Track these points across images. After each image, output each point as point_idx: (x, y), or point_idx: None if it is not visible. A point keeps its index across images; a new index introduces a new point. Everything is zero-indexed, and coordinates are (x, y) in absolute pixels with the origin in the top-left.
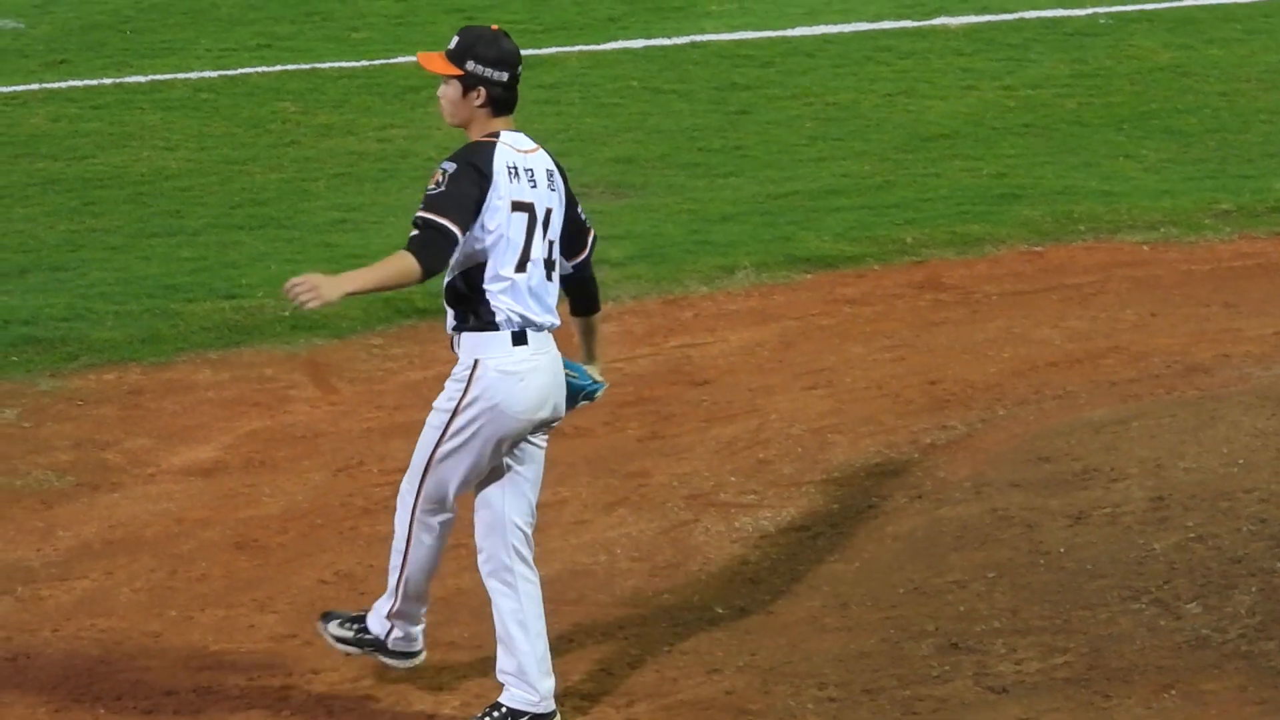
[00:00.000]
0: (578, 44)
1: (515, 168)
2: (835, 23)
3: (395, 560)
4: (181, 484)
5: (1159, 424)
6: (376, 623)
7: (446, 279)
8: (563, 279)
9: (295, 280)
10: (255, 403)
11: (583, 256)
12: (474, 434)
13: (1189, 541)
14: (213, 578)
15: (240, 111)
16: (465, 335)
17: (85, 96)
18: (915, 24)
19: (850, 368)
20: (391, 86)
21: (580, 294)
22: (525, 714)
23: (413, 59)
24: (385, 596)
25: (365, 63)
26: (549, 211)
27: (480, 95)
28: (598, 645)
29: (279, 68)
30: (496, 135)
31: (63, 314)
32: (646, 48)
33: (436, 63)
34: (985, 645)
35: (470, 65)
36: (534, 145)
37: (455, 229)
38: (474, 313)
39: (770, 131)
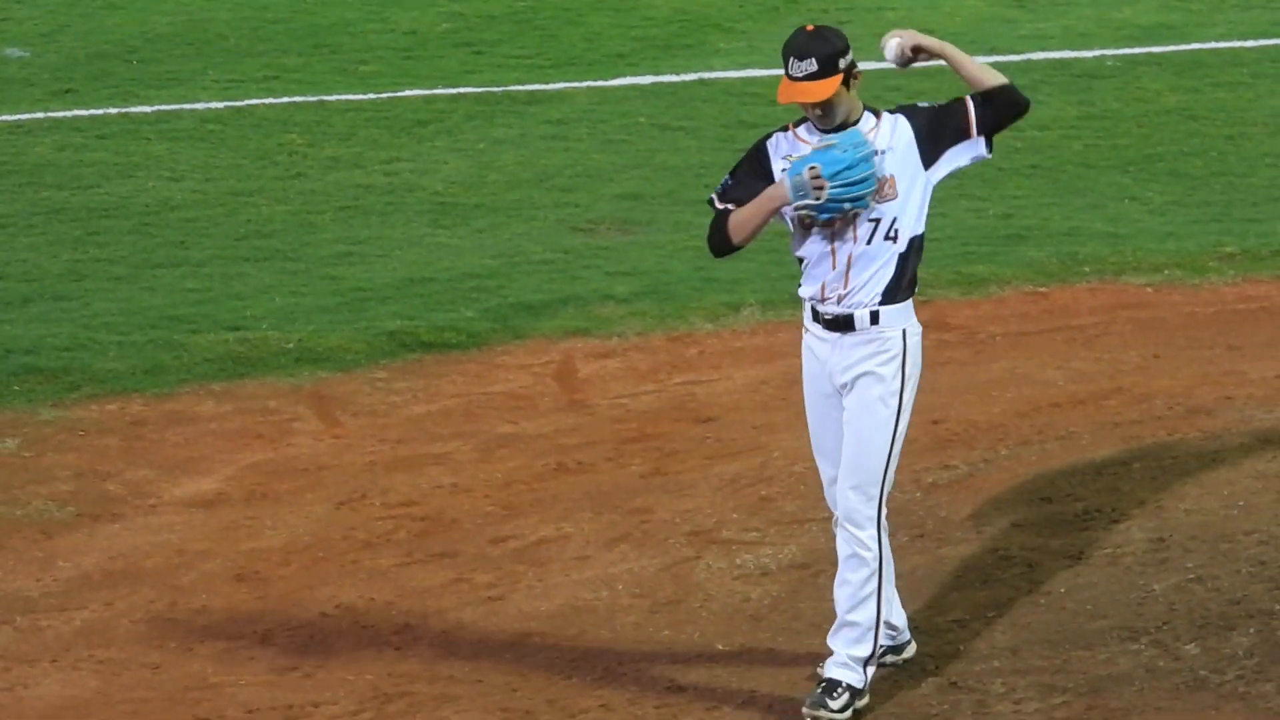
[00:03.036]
0: (586, 80)
1: None
2: None
3: (865, 591)
4: (183, 515)
5: (1160, 465)
6: (857, 675)
7: (899, 250)
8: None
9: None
10: (258, 435)
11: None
12: (910, 405)
13: (1189, 583)
14: (213, 609)
15: (247, 143)
16: (894, 307)
17: (91, 126)
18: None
19: None
20: (399, 120)
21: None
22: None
23: (420, 92)
24: (857, 639)
25: (373, 95)
26: None
27: (858, 75)
28: (598, 681)
29: (286, 99)
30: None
31: (65, 344)
32: (655, 84)
33: (823, 88)
34: (984, 684)
35: (842, 62)
36: None
37: None
38: (910, 281)
39: None
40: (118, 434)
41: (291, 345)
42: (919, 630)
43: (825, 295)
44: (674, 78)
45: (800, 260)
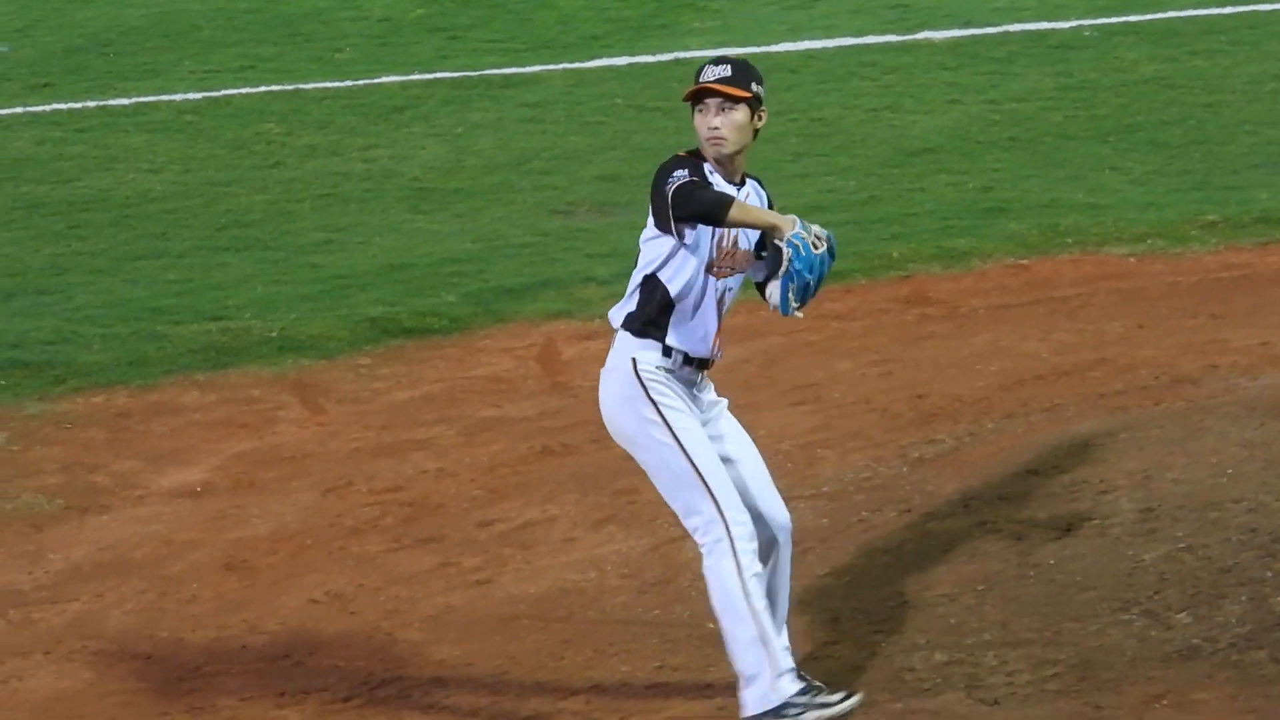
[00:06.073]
0: (562, 62)
1: None
2: (819, 38)
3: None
4: (170, 506)
5: (1147, 436)
6: None
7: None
8: None
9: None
10: (242, 424)
11: None
12: None
13: (1178, 552)
14: (203, 599)
15: (224, 133)
16: None
17: (69, 119)
18: (899, 38)
19: (837, 383)
20: (375, 107)
21: None
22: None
23: (396, 78)
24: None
25: (349, 83)
26: None
27: (762, 119)
28: (588, 662)
29: (262, 89)
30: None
31: (49, 337)
32: (630, 65)
33: (736, 91)
34: (976, 658)
35: (754, 87)
36: None
37: None
38: None
39: (755, 148)
40: (104, 426)
41: (274, 334)
42: (908, 604)
43: (713, 346)
44: (649, 58)
45: (665, 300)
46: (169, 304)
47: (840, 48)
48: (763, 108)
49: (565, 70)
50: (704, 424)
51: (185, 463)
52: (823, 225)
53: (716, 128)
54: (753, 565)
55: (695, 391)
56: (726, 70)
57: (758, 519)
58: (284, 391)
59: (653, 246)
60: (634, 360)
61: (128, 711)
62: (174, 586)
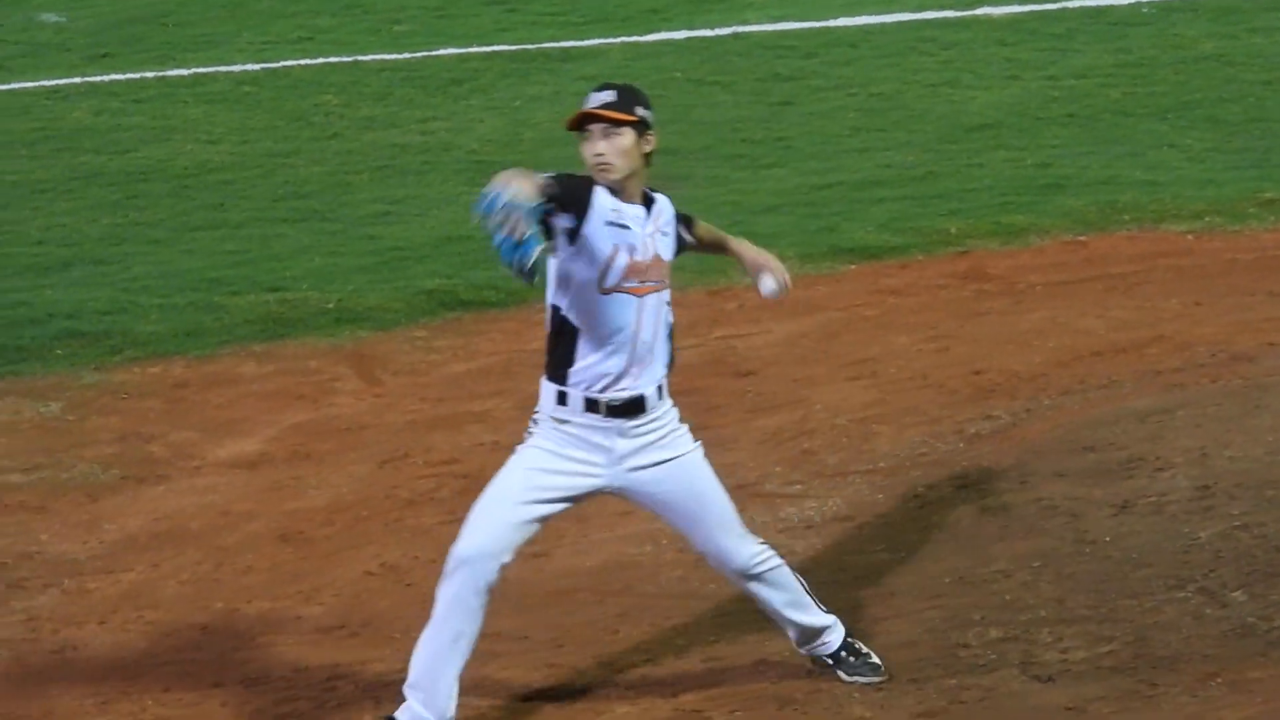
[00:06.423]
0: (620, 35)
1: None
2: (877, 13)
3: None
4: (226, 476)
5: (1204, 413)
6: None
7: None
8: None
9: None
10: (299, 395)
11: None
12: None
13: (1234, 530)
14: (258, 570)
15: (282, 104)
16: (666, 381)
17: (127, 90)
18: (958, 14)
19: (894, 358)
20: (433, 79)
21: None
22: None
23: (454, 51)
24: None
25: (407, 55)
26: None
27: (650, 142)
28: (644, 636)
29: (321, 60)
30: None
31: (106, 307)
32: (689, 39)
33: (617, 116)
34: (1031, 634)
35: (639, 110)
36: None
37: None
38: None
39: (813, 122)
40: (160, 396)
41: (331, 305)
42: (964, 580)
43: (624, 375)
44: (708, 32)
45: (568, 329)
46: (226, 275)
47: (899, 23)
48: (650, 131)
49: (623, 44)
50: (630, 475)
51: (242, 433)
52: (878, 200)
53: (601, 154)
54: (461, 593)
55: (612, 441)
56: (610, 95)
57: (716, 564)
58: (340, 363)
59: (552, 271)
60: (540, 408)
61: (182, 682)
62: (229, 557)
